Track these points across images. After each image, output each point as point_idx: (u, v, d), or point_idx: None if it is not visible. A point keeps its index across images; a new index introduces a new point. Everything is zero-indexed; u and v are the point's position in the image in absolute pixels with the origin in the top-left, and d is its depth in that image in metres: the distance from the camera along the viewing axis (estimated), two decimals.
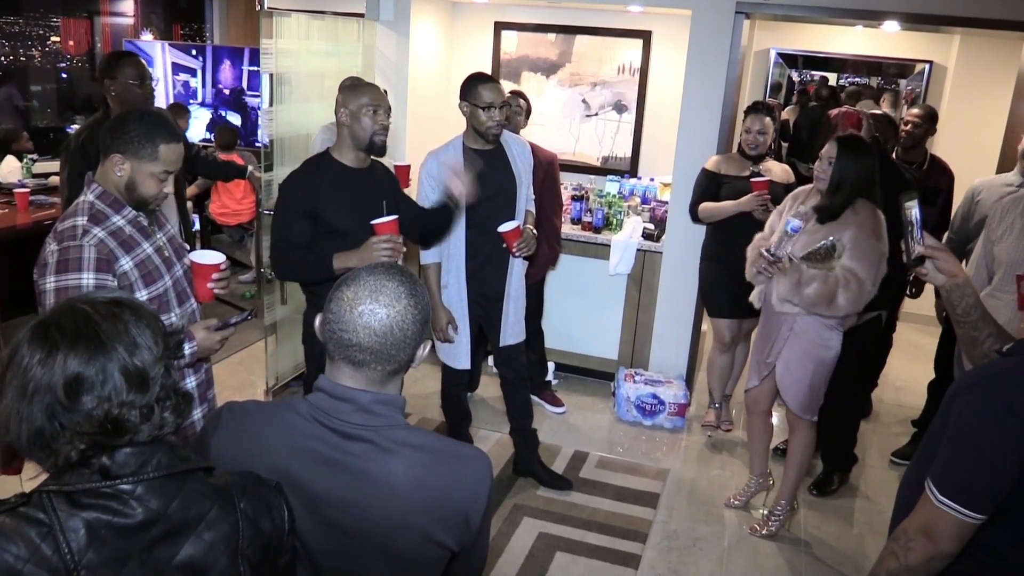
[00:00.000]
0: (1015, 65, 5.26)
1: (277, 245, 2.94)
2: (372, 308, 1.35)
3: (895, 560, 1.65)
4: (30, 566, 1.08)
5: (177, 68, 7.83)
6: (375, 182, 3.02)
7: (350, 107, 2.87)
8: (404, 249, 2.81)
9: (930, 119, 4.28)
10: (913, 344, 5.68)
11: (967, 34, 5.93)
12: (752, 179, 3.88)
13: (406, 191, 4.39)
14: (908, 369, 5.36)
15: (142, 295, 2.15)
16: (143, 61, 3.74)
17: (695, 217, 4.21)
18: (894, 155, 4.30)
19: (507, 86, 4.97)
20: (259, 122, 4.10)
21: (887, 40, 6.67)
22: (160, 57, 7.77)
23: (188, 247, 2.50)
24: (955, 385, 1.68)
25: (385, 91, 4.01)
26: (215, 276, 2.31)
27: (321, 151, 3.04)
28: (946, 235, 4.11)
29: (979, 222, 3.88)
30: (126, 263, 2.13)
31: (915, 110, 4.33)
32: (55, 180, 5.36)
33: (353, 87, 2.97)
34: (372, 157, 3.01)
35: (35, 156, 6.09)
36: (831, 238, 3.14)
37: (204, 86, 7.79)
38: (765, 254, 3.28)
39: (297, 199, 2.88)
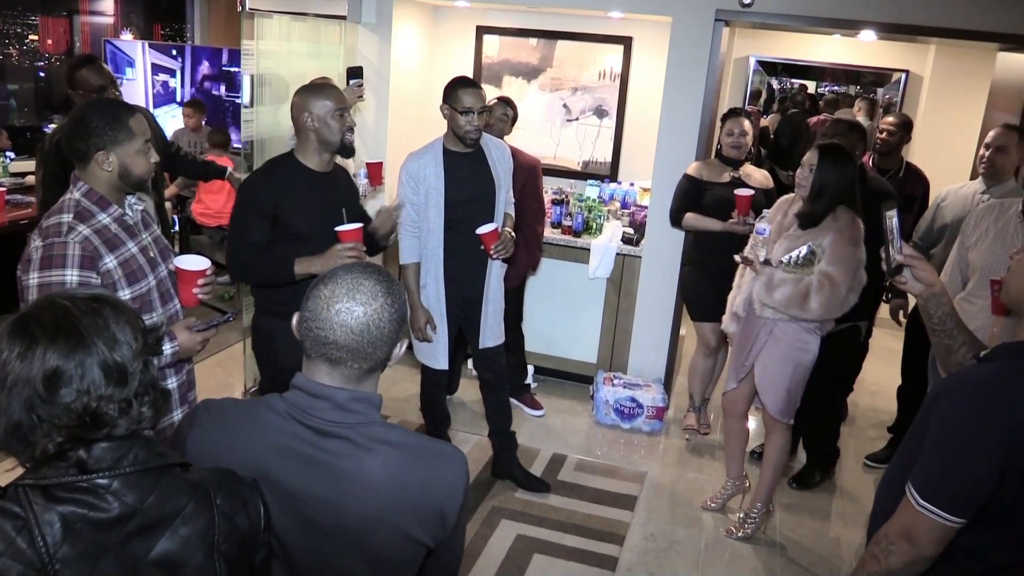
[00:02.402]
0: (989, 75, 5.36)
1: (236, 245, 2.86)
2: (349, 306, 1.36)
3: (876, 564, 1.66)
4: (5, 559, 1.09)
5: (156, 68, 7.79)
6: (337, 187, 2.98)
7: (315, 111, 2.80)
8: (367, 258, 2.77)
9: (905, 127, 4.35)
10: (888, 349, 5.73)
11: (942, 44, 6.01)
12: (736, 191, 3.90)
13: (380, 188, 4.40)
14: (883, 374, 5.41)
15: (125, 294, 2.15)
16: (105, 68, 3.71)
17: (677, 223, 4.25)
18: (871, 162, 4.37)
19: (492, 92, 4.99)
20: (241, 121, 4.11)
21: (865, 49, 6.76)
22: (140, 58, 7.73)
23: (172, 248, 2.50)
24: (935, 390, 1.70)
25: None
26: (200, 282, 2.31)
27: (284, 152, 2.99)
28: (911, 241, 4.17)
29: (941, 227, 3.96)
30: (110, 261, 2.13)
31: (890, 118, 4.39)
32: (32, 179, 5.32)
33: (314, 90, 2.89)
34: (336, 160, 2.98)
35: (12, 155, 6.04)
36: (810, 244, 3.18)
37: (183, 86, 7.75)
38: (737, 258, 3.40)
39: (259, 200, 2.81)
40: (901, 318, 4.25)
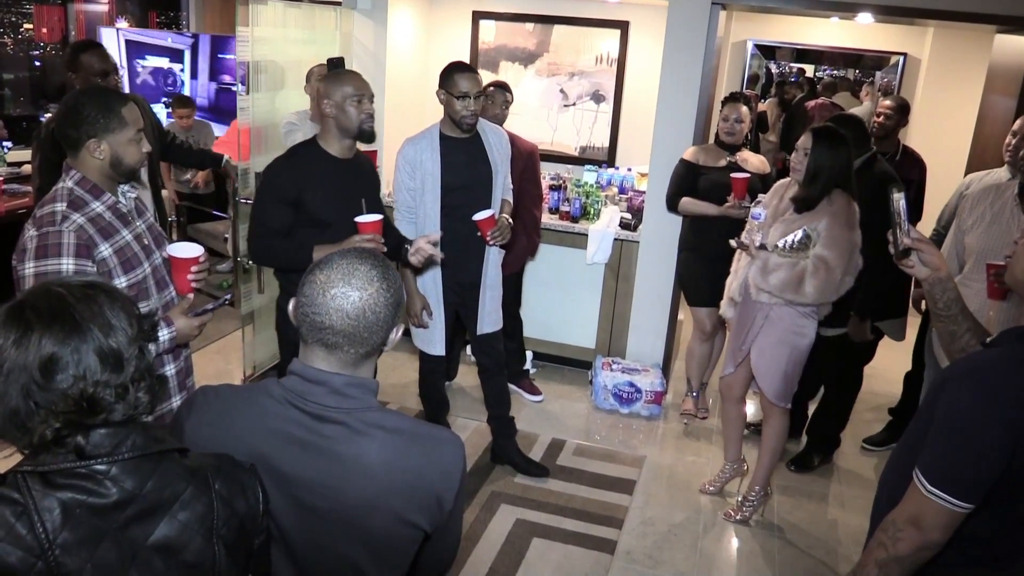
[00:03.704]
0: (986, 57, 5.34)
1: (256, 230, 2.91)
2: (344, 291, 1.36)
3: (883, 551, 1.66)
4: (5, 544, 1.10)
5: (145, 51, 7.43)
6: (358, 174, 3.02)
7: (334, 98, 2.86)
8: (385, 249, 2.82)
9: (902, 110, 4.33)
10: None
11: (940, 27, 5.99)
12: (732, 174, 3.90)
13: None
14: (881, 357, 5.40)
15: (121, 282, 2.15)
16: (107, 53, 3.70)
17: (673, 208, 4.25)
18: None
19: (489, 77, 4.98)
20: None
21: (862, 32, 6.73)
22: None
23: (167, 236, 2.50)
24: (941, 375, 1.69)
25: None
26: (194, 269, 2.31)
27: (307, 139, 3.03)
28: (932, 228, 4.13)
29: None
30: (105, 250, 2.13)
31: (887, 101, 4.37)
32: (28, 169, 5.30)
33: (336, 76, 2.95)
34: (358, 147, 3.03)
35: (9, 144, 6.03)
36: (805, 228, 3.18)
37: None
38: (732, 243, 3.41)
39: (282, 186, 2.85)
40: (923, 307, 4.22)
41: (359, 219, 2.79)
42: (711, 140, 4.34)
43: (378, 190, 3.18)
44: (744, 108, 4.09)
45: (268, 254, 2.96)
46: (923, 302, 4.13)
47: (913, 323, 4.30)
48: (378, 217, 2.82)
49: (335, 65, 3.91)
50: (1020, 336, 1.65)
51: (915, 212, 4.35)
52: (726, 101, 4.14)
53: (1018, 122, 3.72)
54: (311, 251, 2.80)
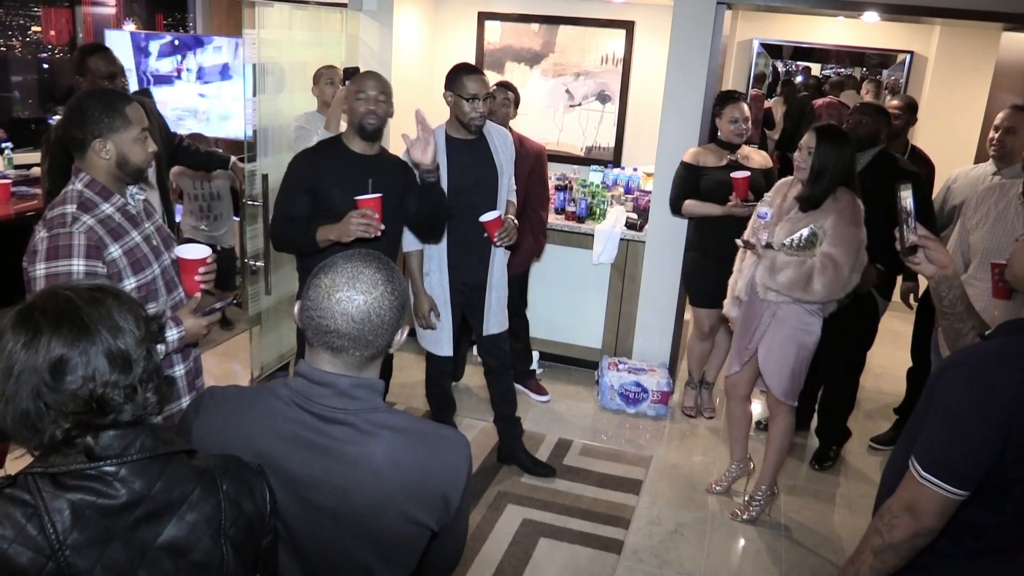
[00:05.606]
0: (993, 55, 5.33)
1: (275, 216, 3.11)
2: (350, 295, 1.37)
3: (879, 537, 1.68)
4: (15, 546, 1.11)
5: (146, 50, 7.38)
6: (380, 172, 3.06)
7: (348, 91, 3.06)
8: (382, 227, 2.87)
9: (910, 110, 4.32)
10: (893, 331, 5.74)
11: (947, 25, 5.97)
12: (732, 174, 3.89)
13: None
14: (888, 356, 5.42)
15: (131, 283, 2.17)
16: (114, 56, 3.72)
17: (677, 211, 4.25)
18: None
19: (493, 77, 4.98)
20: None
21: (869, 30, 6.72)
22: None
23: (175, 238, 2.52)
24: (939, 365, 1.71)
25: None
26: (202, 270, 2.33)
27: (333, 136, 3.21)
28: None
29: (952, 209, 3.95)
30: (115, 251, 2.15)
31: (895, 101, 4.37)
32: (37, 171, 5.33)
33: (358, 76, 3.13)
34: (382, 146, 3.16)
35: (10, 145, 6.04)
36: (811, 226, 3.19)
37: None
38: (738, 242, 3.41)
39: (300, 175, 3.03)
40: (912, 301, 4.24)
41: (358, 197, 2.88)
42: (709, 140, 4.33)
43: (407, 188, 3.14)
44: (745, 106, 4.08)
45: (281, 237, 3.11)
46: (911, 296, 4.16)
47: (907, 318, 4.30)
48: (376, 196, 2.89)
49: (350, 74, 3.97)
50: (1018, 328, 1.66)
51: (924, 212, 4.34)
52: (725, 102, 4.09)
53: (1000, 116, 3.75)
54: (314, 231, 2.94)
